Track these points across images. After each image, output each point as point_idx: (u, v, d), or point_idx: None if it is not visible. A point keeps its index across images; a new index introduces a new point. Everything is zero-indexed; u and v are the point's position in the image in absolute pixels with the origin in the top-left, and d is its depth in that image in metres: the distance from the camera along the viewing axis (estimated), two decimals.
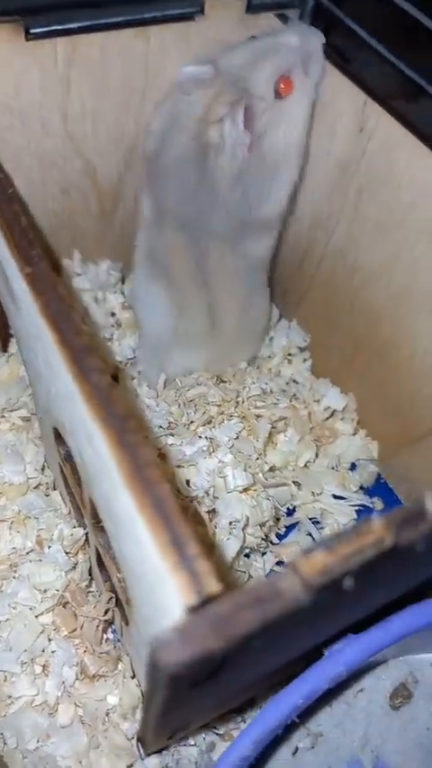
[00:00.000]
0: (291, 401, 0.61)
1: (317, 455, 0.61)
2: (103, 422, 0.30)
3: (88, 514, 0.44)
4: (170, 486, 0.28)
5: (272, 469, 0.57)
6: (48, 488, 0.58)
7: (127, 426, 0.29)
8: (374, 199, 0.56)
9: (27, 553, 0.54)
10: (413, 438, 0.61)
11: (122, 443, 0.29)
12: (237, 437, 0.54)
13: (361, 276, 0.61)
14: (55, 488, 0.58)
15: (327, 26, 0.68)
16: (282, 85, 0.52)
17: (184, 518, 0.27)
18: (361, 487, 0.64)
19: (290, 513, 0.61)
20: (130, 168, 0.64)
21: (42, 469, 0.59)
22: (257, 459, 0.55)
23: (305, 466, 0.60)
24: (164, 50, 0.58)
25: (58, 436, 0.48)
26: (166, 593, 0.27)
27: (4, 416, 0.62)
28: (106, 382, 0.31)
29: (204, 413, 0.56)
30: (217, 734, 0.51)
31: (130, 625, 0.44)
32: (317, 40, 0.55)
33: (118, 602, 0.48)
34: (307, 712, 0.50)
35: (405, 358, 0.58)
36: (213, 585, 0.26)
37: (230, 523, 0.51)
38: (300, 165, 0.57)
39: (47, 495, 0.57)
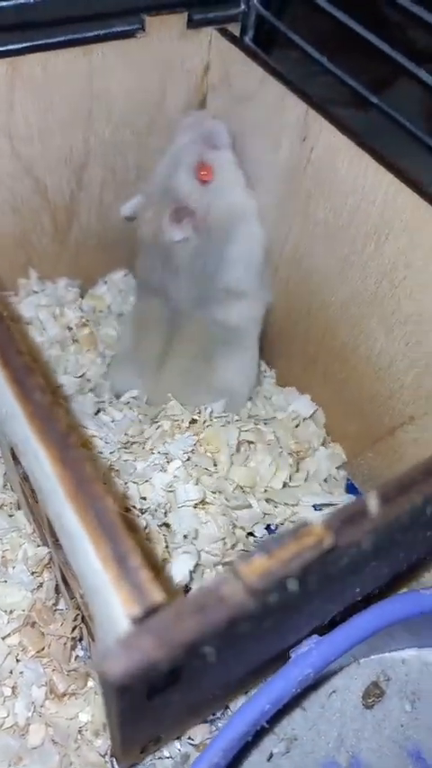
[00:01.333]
0: (255, 423, 0.61)
1: (295, 472, 0.62)
2: (45, 439, 0.30)
3: (47, 532, 0.45)
4: (113, 501, 0.28)
5: (240, 488, 0.58)
6: (11, 508, 0.57)
7: (68, 443, 0.30)
8: (322, 205, 0.57)
9: None
10: (375, 438, 0.62)
11: (64, 460, 0.29)
12: (192, 451, 0.55)
13: (316, 281, 0.61)
14: (19, 508, 0.58)
15: (269, 38, 0.70)
16: (202, 173, 0.59)
17: (127, 531, 0.27)
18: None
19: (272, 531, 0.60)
20: (81, 186, 0.65)
21: (3, 489, 0.59)
22: (215, 475, 0.55)
23: (283, 486, 0.60)
24: (108, 68, 0.58)
25: (15, 456, 0.48)
26: (112, 606, 0.28)
27: None
28: (47, 401, 0.31)
29: (159, 427, 0.57)
30: (192, 744, 0.51)
31: (96, 641, 0.44)
32: (205, 118, 0.62)
33: (84, 619, 0.48)
34: (279, 717, 0.51)
35: (362, 359, 0.59)
36: (156, 596, 0.26)
37: (184, 537, 0.51)
38: (265, 227, 0.64)
39: (10, 516, 0.57)
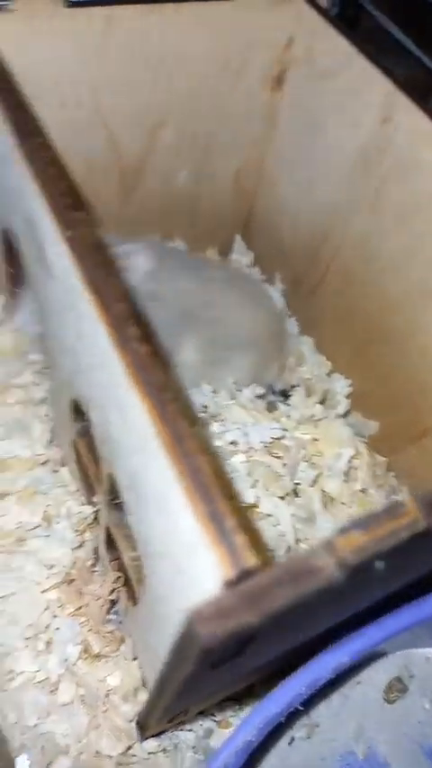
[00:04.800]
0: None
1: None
2: (142, 391, 0.29)
3: (103, 491, 0.44)
4: (210, 459, 0.27)
5: None
6: (56, 465, 0.57)
7: (167, 397, 0.29)
8: (397, 189, 0.56)
9: (33, 528, 0.53)
10: (420, 432, 0.61)
11: (162, 414, 0.28)
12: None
13: (379, 266, 0.60)
14: (63, 465, 0.57)
15: (356, 17, 0.68)
16: None
17: (223, 491, 0.27)
18: None
19: None
20: (152, 148, 0.64)
21: (49, 446, 0.58)
22: None
23: None
24: (196, 29, 0.57)
25: (77, 411, 0.47)
26: (198, 567, 0.27)
27: (9, 391, 0.61)
28: (146, 351, 0.30)
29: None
30: (214, 720, 0.51)
31: (138, 605, 0.43)
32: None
33: (126, 582, 0.48)
34: (305, 702, 0.50)
35: (416, 349, 0.58)
36: (251, 560, 0.25)
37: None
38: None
39: (55, 472, 0.56)
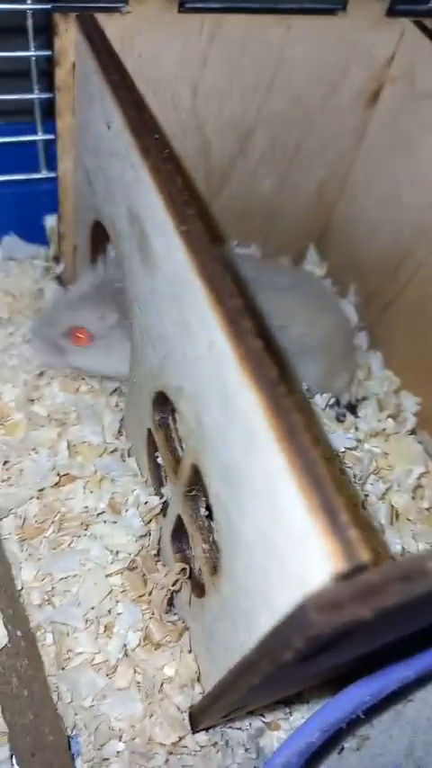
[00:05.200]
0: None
1: None
2: (257, 385, 0.30)
3: (182, 482, 0.45)
4: (325, 453, 0.28)
5: None
6: (123, 454, 0.58)
7: (281, 391, 0.30)
8: None
9: (98, 514, 0.54)
10: None
11: (277, 408, 0.29)
12: None
13: None
14: (130, 456, 0.58)
15: None
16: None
17: (338, 485, 0.27)
18: None
19: None
20: (242, 153, 0.65)
21: (118, 436, 0.59)
22: None
23: None
24: (300, 41, 0.58)
25: (160, 402, 0.48)
26: (305, 561, 0.27)
27: (83, 378, 0.62)
28: (259, 346, 0.31)
29: None
30: (263, 721, 0.51)
31: (207, 597, 0.44)
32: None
33: (191, 574, 0.49)
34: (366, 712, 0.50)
35: None
36: (365, 555, 0.26)
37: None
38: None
39: (123, 461, 0.57)
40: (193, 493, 0.45)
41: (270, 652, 0.30)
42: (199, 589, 0.48)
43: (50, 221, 0.68)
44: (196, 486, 0.45)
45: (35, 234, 0.70)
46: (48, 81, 0.57)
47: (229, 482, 0.35)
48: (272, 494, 0.30)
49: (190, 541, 0.50)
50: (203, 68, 0.56)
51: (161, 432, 0.49)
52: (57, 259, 0.70)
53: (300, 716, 0.52)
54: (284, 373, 0.30)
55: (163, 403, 0.49)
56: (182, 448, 0.49)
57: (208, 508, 0.47)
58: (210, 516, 0.46)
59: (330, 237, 0.77)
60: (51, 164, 0.66)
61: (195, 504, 0.46)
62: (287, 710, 0.52)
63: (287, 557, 0.29)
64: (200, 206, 0.37)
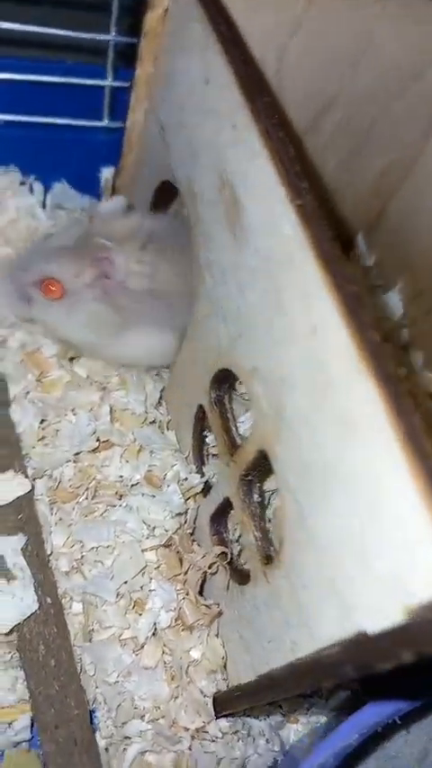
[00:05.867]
0: None
1: None
2: (376, 378, 0.28)
3: (239, 466, 0.43)
4: None
5: None
6: (162, 426, 0.56)
7: (402, 388, 0.28)
8: None
9: (132, 485, 0.52)
10: None
11: (397, 405, 0.27)
12: None
13: None
14: (169, 428, 0.56)
15: None
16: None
17: None
18: None
19: None
20: (314, 129, 0.62)
21: (157, 406, 0.57)
22: None
23: None
24: (392, 22, 0.55)
25: (220, 379, 0.46)
26: (404, 566, 0.26)
27: None
28: (378, 338, 0.29)
29: None
30: (282, 713, 0.50)
31: (253, 586, 0.42)
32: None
33: (231, 560, 0.47)
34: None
35: None
36: None
37: None
38: None
39: (162, 433, 0.55)
40: (249, 477, 0.44)
41: (361, 659, 0.29)
42: (239, 575, 0.47)
43: (106, 174, 0.64)
44: (255, 471, 0.43)
45: (87, 185, 0.67)
46: (129, 23, 0.53)
47: (308, 473, 0.34)
48: (373, 493, 0.28)
49: (239, 527, 0.48)
50: (295, 35, 0.53)
51: (216, 410, 0.47)
52: None
53: (318, 711, 0.51)
54: (407, 371, 0.29)
55: (222, 380, 0.47)
56: (237, 428, 0.47)
57: (260, 495, 0.45)
58: (261, 503, 0.45)
59: (382, 229, 0.75)
60: (116, 113, 0.63)
61: (249, 489, 0.44)
62: (306, 705, 0.51)
63: (384, 560, 0.28)
64: (313, 179, 0.35)
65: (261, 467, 0.42)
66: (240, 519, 0.44)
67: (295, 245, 0.33)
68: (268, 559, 0.41)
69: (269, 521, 0.48)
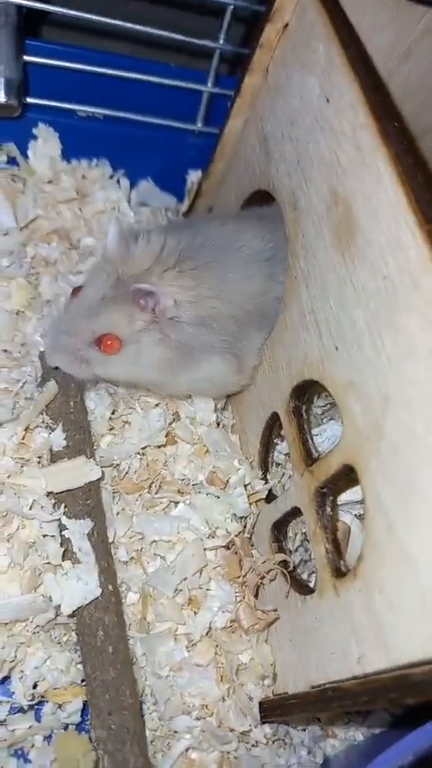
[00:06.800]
0: None
1: None
2: None
3: (317, 477, 0.43)
4: None
5: None
6: (227, 429, 0.57)
7: None
8: None
9: (194, 485, 0.53)
10: None
11: None
12: None
13: None
14: (233, 431, 0.57)
15: None
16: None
17: None
18: None
19: None
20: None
21: (222, 410, 0.58)
22: None
23: None
24: None
25: (302, 389, 0.47)
26: None
27: None
28: None
29: None
30: (320, 728, 0.50)
31: (317, 597, 0.43)
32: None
33: (293, 571, 0.48)
34: None
35: None
36: None
37: None
38: None
39: (227, 436, 0.56)
40: (324, 490, 0.44)
41: None
42: (298, 585, 0.47)
43: (193, 176, 0.66)
44: (332, 484, 0.44)
45: (172, 185, 0.68)
46: (240, 34, 0.54)
47: (410, 490, 0.34)
48: None
49: (297, 537, 0.49)
50: (405, 60, 0.54)
51: (294, 420, 0.48)
52: (186, 216, 0.68)
53: (355, 727, 0.51)
54: None
55: (304, 391, 0.48)
56: (313, 440, 0.48)
57: (333, 508, 0.46)
58: (333, 516, 0.46)
59: None
60: (211, 119, 0.64)
61: (323, 501, 0.45)
62: (345, 720, 0.51)
63: None
64: None
65: (339, 480, 0.43)
66: (312, 530, 0.44)
67: (421, 269, 0.34)
68: (338, 572, 0.42)
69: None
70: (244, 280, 0.51)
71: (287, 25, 0.50)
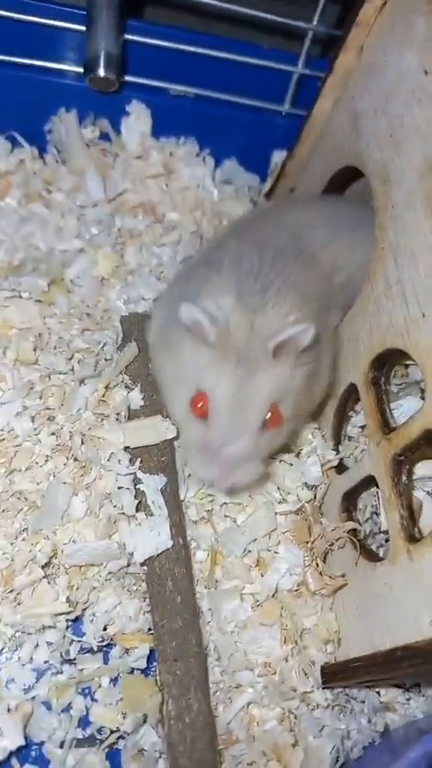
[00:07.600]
0: None
1: None
2: None
3: (395, 445, 0.44)
4: None
5: None
6: None
7: None
8: None
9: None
10: None
11: None
12: None
13: None
14: None
15: None
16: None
17: None
18: None
19: None
20: None
21: None
22: None
23: None
24: None
25: (381, 359, 0.48)
26: None
27: None
28: None
29: None
30: (381, 701, 0.50)
31: (389, 564, 0.43)
32: None
33: (363, 540, 0.48)
34: None
35: None
36: None
37: None
38: None
39: None
40: (402, 458, 0.45)
41: None
42: (368, 554, 0.47)
43: (278, 157, 0.67)
44: (410, 451, 0.44)
45: (256, 165, 0.69)
46: (335, 15, 0.55)
47: None
48: None
49: (382, 505, 0.49)
50: None
51: (372, 390, 0.48)
52: (267, 196, 0.69)
53: (416, 705, 0.51)
54: None
55: (384, 361, 0.48)
56: (390, 410, 0.48)
57: (408, 476, 0.46)
58: (408, 485, 0.46)
59: None
60: (298, 100, 0.65)
61: (400, 469, 0.45)
62: (407, 696, 0.51)
63: None
64: None
65: (420, 448, 0.43)
66: (387, 497, 0.45)
67: None
68: (412, 539, 0.42)
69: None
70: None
71: (385, 3, 0.51)
